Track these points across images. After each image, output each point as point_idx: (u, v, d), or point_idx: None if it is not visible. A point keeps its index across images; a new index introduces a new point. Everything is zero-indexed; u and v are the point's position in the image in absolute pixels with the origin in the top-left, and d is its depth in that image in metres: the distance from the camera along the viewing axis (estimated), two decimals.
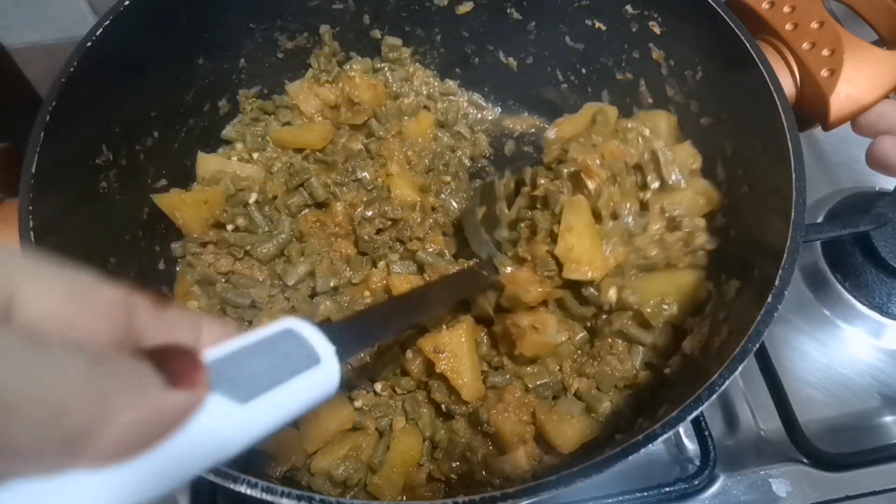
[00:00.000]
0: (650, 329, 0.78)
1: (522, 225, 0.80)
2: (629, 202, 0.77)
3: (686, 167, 0.79)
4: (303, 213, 0.91)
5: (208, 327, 0.35)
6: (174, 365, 0.30)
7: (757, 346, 0.59)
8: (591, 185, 0.76)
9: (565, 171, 0.77)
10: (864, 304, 1.01)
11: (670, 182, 0.77)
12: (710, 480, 0.85)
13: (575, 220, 0.75)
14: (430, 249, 0.88)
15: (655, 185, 0.78)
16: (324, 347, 0.39)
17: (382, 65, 1.02)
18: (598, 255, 0.75)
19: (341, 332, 0.41)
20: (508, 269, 0.80)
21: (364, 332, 0.53)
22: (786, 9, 0.83)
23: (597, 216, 0.76)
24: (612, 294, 0.77)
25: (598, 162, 0.76)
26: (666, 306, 0.77)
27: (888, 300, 1.00)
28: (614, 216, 0.77)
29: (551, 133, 0.89)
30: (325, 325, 0.40)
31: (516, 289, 0.77)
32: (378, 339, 0.62)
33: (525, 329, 0.76)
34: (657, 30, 0.83)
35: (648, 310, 0.77)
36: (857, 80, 0.78)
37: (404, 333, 0.81)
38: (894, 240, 0.99)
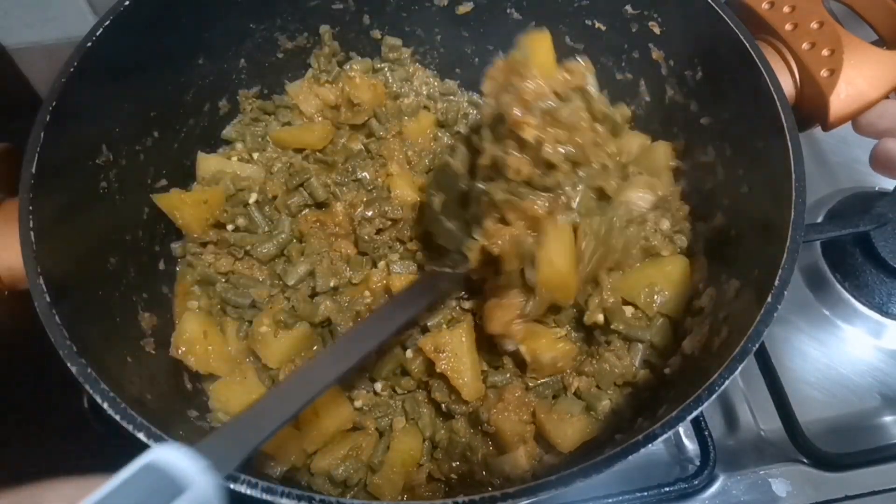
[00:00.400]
0: (647, 325, 0.79)
1: (484, 198, 0.73)
2: (580, 135, 0.69)
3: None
4: (303, 213, 0.91)
5: (57, 491, 0.35)
6: None
7: (757, 346, 0.59)
8: (528, 137, 0.67)
9: (502, 131, 0.69)
10: (864, 304, 1.01)
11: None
12: (710, 480, 0.85)
13: (555, 254, 0.69)
14: None
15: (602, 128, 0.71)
16: (191, 470, 0.38)
17: (382, 65, 1.02)
18: (573, 283, 0.72)
19: (217, 443, 0.41)
20: (481, 240, 0.72)
21: (250, 431, 0.50)
22: (785, 9, 0.83)
23: (551, 167, 0.68)
24: (599, 318, 0.78)
25: (520, 111, 0.67)
26: (658, 295, 0.78)
27: (888, 300, 1.00)
28: (577, 162, 0.69)
29: (486, 86, 0.76)
30: (201, 442, 0.39)
31: (501, 334, 0.74)
32: (276, 426, 0.53)
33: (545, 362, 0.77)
34: (657, 30, 0.83)
35: (641, 300, 0.78)
36: (856, 80, 0.78)
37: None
38: (894, 240, 0.99)
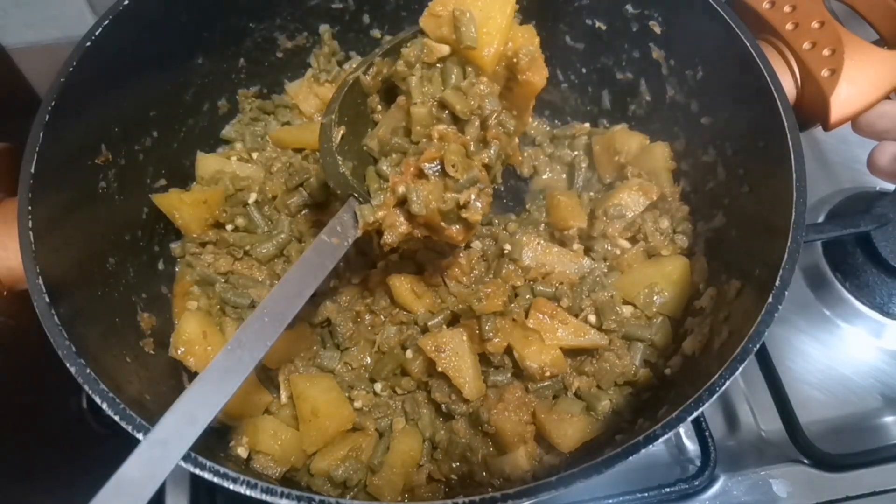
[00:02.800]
0: (647, 323, 0.79)
1: (394, 155, 0.71)
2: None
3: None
4: (302, 213, 0.91)
5: None
6: None
7: (758, 346, 0.59)
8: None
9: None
10: (864, 304, 1.01)
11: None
12: (711, 481, 0.85)
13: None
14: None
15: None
16: None
17: None
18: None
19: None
20: (380, 214, 0.68)
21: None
22: (786, 8, 0.83)
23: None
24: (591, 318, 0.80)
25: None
26: (657, 296, 0.79)
27: (889, 300, 1.00)
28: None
29: (424, 21, 0.70)
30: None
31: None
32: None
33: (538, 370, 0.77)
34: (657, 29, 0.83)
35: (641, 300, 0.79)
36: (857, 80, 0.78)
37: None
38: (895, 240, 0.99)
